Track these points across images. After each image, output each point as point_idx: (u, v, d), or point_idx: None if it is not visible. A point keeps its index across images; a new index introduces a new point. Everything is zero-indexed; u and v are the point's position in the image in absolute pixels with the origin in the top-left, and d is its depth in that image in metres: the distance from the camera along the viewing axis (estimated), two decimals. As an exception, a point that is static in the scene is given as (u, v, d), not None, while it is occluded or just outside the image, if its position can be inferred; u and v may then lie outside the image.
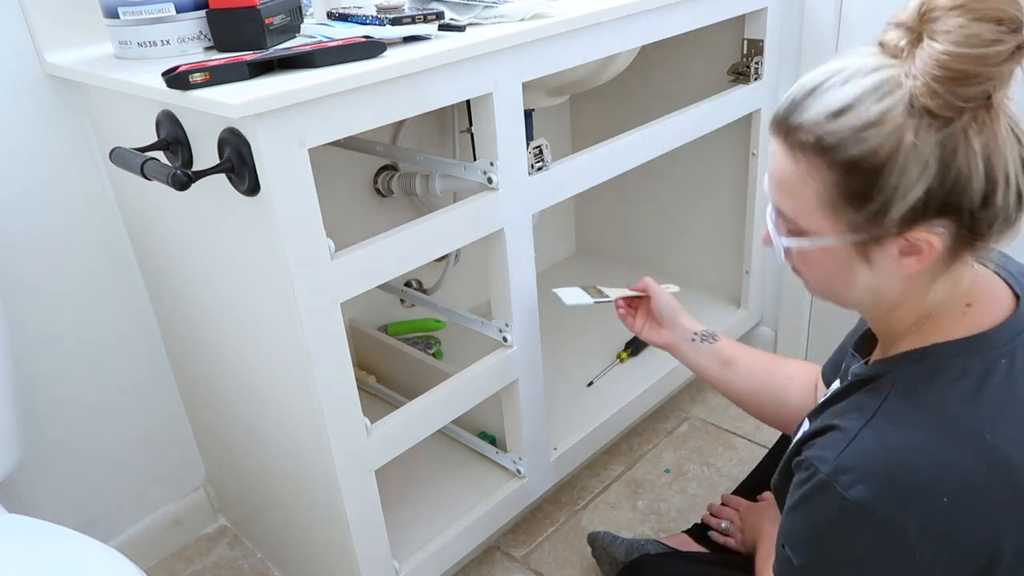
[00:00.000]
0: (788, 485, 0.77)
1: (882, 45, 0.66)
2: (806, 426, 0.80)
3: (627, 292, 1.15)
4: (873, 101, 0.63)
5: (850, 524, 0.68)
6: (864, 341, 0.84)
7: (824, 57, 1.48)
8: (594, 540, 1.29)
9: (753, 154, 1.60)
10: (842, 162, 0.65)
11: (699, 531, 1.25)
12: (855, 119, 0.64)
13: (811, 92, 0.67)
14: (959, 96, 0.61)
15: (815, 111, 0.66)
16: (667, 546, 1.22)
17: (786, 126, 0.69)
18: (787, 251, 0.75)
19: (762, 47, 1.50)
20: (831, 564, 0.72)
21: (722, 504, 1.25)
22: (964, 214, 0.65)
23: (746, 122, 1.56)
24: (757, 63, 1.51)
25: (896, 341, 0.75)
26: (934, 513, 0.65)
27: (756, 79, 1.52)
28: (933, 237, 0.65)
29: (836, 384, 0.85)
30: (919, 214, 0.65)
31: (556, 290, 1.16)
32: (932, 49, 0.61)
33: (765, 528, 1.10)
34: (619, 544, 1.24)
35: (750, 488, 1.24)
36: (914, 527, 0.65)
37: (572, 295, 1.16)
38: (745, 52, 1.52)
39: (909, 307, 0.73)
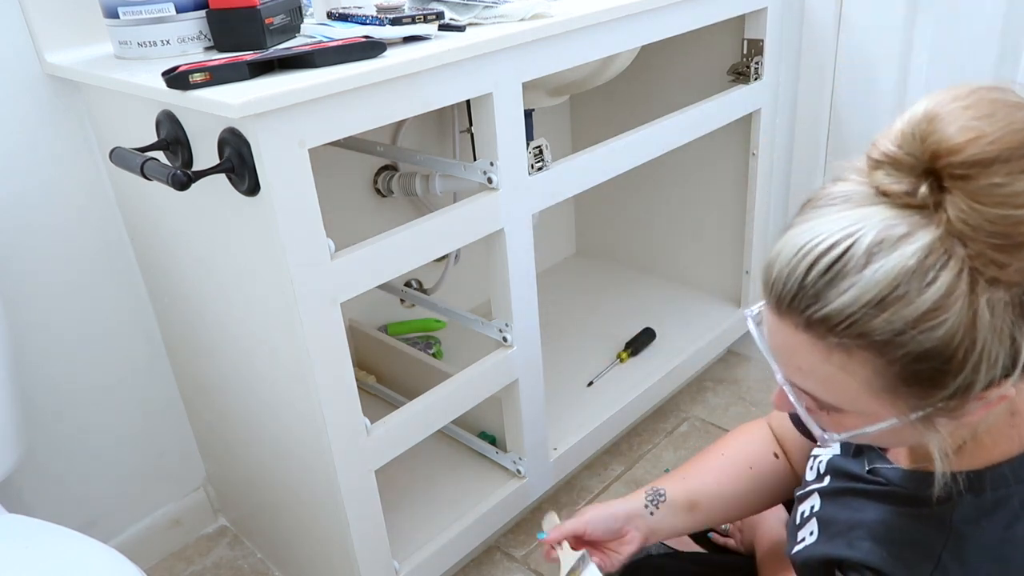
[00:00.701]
0: None
1: (883, 193, 0.53)
2: (815, 528, 0.72)
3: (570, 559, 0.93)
4: (923, 283, 0.50)
5: None
6: None
7: (824, 57, 1.49)
8: (594, 540, 1.29)
9: (753, 154, 1.60)
10: (900, 356, 0.53)
11: (698, 531, 1.25)
12: (910, 311, 0.51)
13: (827, 273, 0.53)
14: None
15: (844, 301, 0.52)
16: (668, 546, 1.22)
17: (804, 315, 0.54)
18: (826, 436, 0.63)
19: (762, 47, 1.50)
20: None
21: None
22: None
23: (746, 122, 1.56)
24: (757, 63, 1.51)
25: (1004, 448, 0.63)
26: None
27: (756, 79, 1.52)
28: (1008, 389, 0.55)
29: (827, 453, 0.74)
30: (1008, 371, 0.53)
31: None
32: (977, 211, 0.49)
33: (763, 526, 1.10)
34: (619, 544, 1.23)
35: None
36: None
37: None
38: (745, 52, 1.52)
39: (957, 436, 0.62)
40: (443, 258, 1.64)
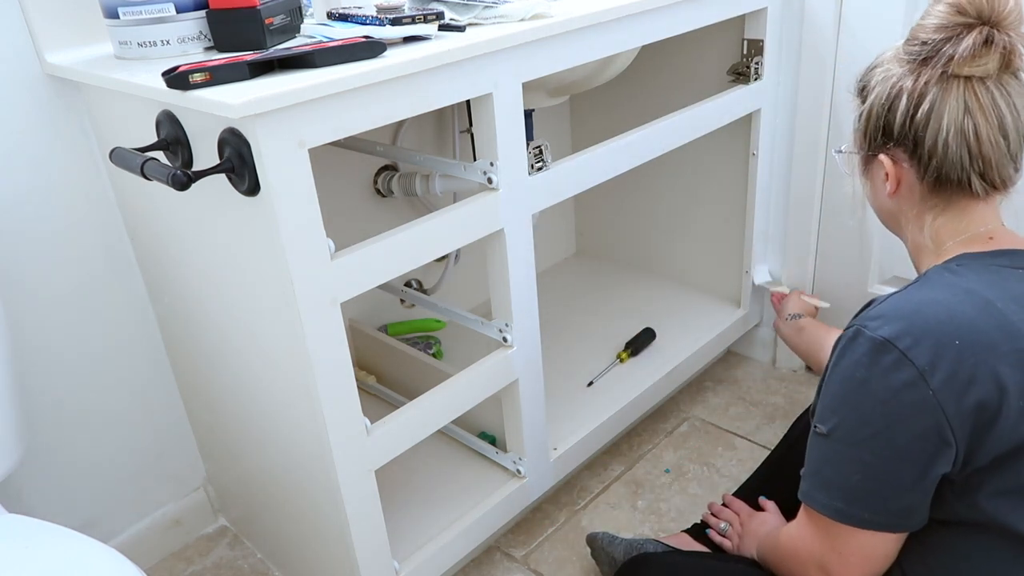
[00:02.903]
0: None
1: None
2: None
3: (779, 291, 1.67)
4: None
5: (875, 360, 0.77)
6: None
7: (824, 57, 1.49)
8: (593, 541, 1.29)
9: (753, 154, 1.60)
10: (857, 89, 0.91)
11: (699, 530, 1.25)
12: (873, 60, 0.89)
13: None
14: (916, 54, 0.82)
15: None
16: (667, 545, 1.22)
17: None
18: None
19: (762, 47, 1.50)
20: (856, 411, 0.79)
21: (723, 504, 1.25)
22: (908, 143, 0.83)
23: (746, 122, 1.56)
24: (757, 63, 1.51)
25: (928, 265, 0.87)
26: (946, 351, 0.75)
27: (756, 79, 1.52)
28: (885, 159, 0.86)
29: None
30: (874, 131, 0.87)
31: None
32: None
33: (763, 529, 1.10)
34: (618, 544, 1.24)
35: (752, 490, 1.24)
36: (927, 362, 0.75)
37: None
38: (745, 52, 1.52)
39: (925, 236, 0.87)
40: (443, 258, 1.64)
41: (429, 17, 1.02)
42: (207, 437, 1.41)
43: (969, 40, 0.78)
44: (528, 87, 1.09)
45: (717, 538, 1.20)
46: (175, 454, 1.43)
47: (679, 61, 1.67)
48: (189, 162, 0.97)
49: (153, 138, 0.99)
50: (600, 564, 1.28)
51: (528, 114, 1.14)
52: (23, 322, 1.18)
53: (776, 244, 1.72)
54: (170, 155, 1.00)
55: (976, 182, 0.82)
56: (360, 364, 1.60)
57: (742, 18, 1.49)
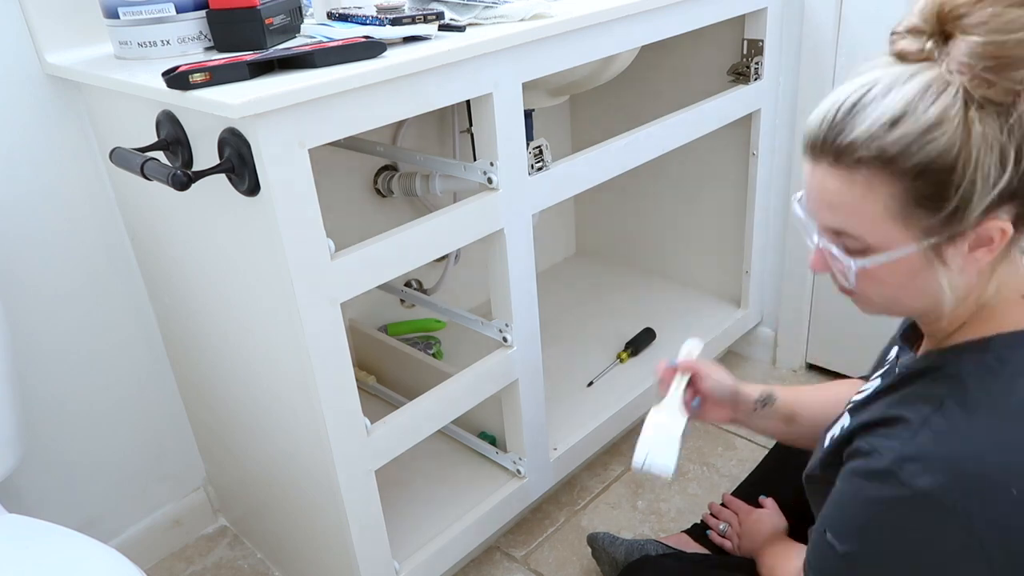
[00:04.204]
0: (831, 474, 0.76)
1: (901, 56, 0.66)
2: (846, 421, 0.80)
3: (678, 401, 1.03)
4: (928, 103, 0.63)
5: (913, 514, 0.67)
6: (909, 333, 0.83)
7: (824, 57, 1.49)
8: (594, 541, 1.29)
9: (753, 154, 1.60)
10: (911, 168, 0.63)
11: (699, 531, 1.25)
12: (916, 124, 0.63)
13: (851, 109, 0.66)
14: (1014, 80, 0.61)
15: (866, 126, 0.64)
16: (667, 546, 1.22)
17: (833, 147, 0.66)
18: (856, 273, 0.71)
19: (762, 47, 1.50)
20: (884, 554, 0.70)
21: (722, 504, 1.25)
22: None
23: (746, 122, 1.56)
24: (757, 63, 1.51)
25: (952, 335, 0.73)
26: (1003, 505, 0.65)
27: (756, 79, 1.52)
28: (1005, 224, 0.65)
29: (877, 380, 0.83)
30: (996, 204, 0.64)
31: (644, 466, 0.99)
32: (971, 42, 0.61)
33: (766, 537, 1.10)
34: (619, 545, 1.24)
35: (751, 488, 1.24)
36: (981, 519, 0.64)
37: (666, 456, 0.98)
38: (745, 52, 1.53)
39: (970, 301, 0.71)
40: (443, 258, 1.64)
41: (429, 17, 1.02)
42: (207, 437, 1.41)
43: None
44: (528, 87, 1.09)
45: (717, 539, 1.21)
46: (175, 454, 1.43)
47: (679, 61, 1.67)
48: (189, 162, 0.97)
49: (153, 138, 0.99)
50: (601, 564, 1.28)
51: (528, 114, 1.14)
52: (23, 322, 1.18)
53: (776, 244, 1.72)
54: (170, 155, 1.00)
55: None
56: (360, 364, 1.60)
57: (742, 18, 1.49)
